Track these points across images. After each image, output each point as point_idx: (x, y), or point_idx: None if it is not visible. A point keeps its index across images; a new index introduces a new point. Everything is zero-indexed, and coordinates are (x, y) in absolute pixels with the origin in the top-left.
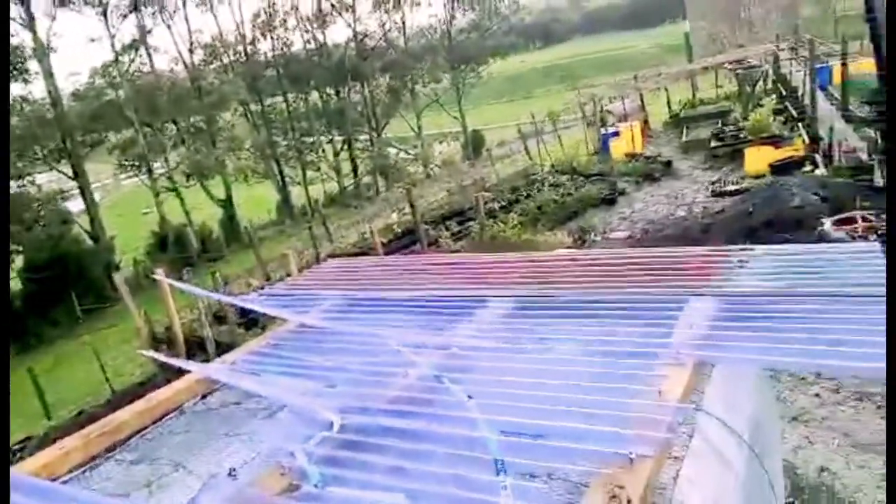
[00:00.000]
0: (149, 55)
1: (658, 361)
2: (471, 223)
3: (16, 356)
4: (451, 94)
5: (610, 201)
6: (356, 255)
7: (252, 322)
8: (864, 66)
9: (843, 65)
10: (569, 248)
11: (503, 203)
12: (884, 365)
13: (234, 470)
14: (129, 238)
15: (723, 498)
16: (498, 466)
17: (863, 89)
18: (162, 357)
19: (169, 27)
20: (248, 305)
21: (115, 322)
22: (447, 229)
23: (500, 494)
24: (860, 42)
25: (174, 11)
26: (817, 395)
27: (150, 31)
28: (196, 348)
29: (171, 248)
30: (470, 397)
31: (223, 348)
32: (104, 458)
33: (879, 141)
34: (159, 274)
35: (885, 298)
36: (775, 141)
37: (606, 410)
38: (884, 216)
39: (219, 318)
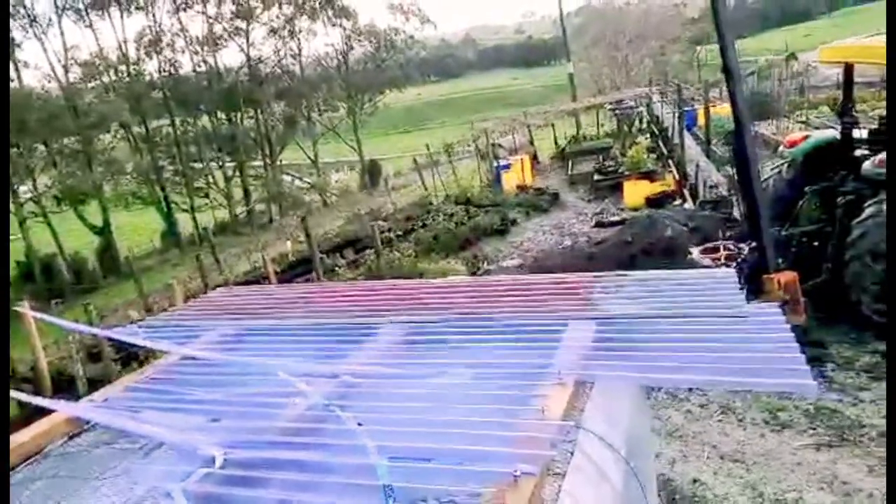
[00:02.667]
0: (16, 70)
1: (541, 382)
2: (367, 252)
3: None
4: (347, 123)
5: (502, 231)
6: (248, 284)
7: (132, 357)
8: (722, 111)
9: (707, 109)
10: (463, 276)
11: (399, 232)
12: (746, 379)
13: None
14: None
15: None
16: (387, 492)
17: (721, 131)
18: (23, 396)
19: (41, 41)
20: (124, 338)
21: None
22: (343, 258)
23: None
24: (719, 88)
25: (47, 25)
26: (689, 411)
27: (19, 45)
28: (66, 388)
29: (39, 279)
30: (360, 424)
31: (97, 387)
32: None
33: (736, 178)
34: (23, 306)
35: (742, 318)
36: (650, 176)
37: (493, 431)
38: (741, 245)
39: (93, 355)
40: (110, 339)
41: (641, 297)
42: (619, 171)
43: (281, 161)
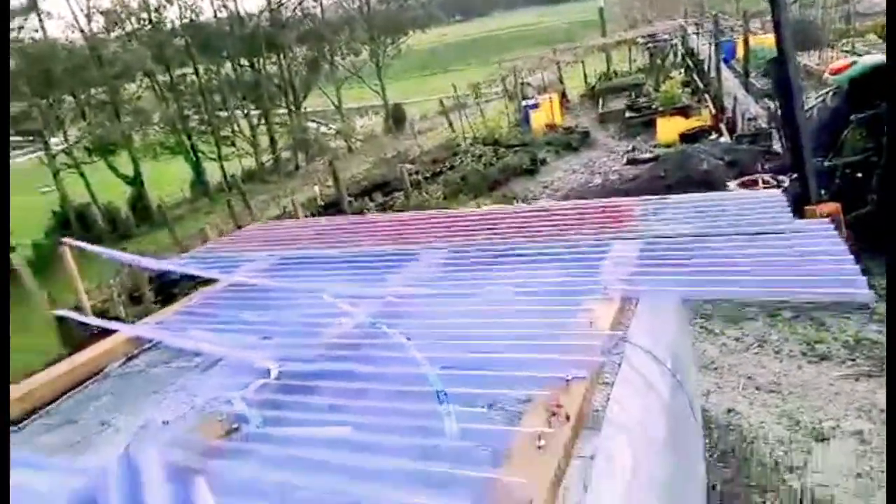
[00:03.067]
0: (41, 21)
1: (588, 297)
2: (396, 194)
3: None
4: (371, 66)
5: (531, 171)
6: None
7: (171, 298)
8: (762, 42)
9: (745, 40)
10: None
11: (427, 174)
12: (799, 289)
13: (168, 422)
14: (25, 219)
15: (648, 417)
16: (440, 396)
17: (761, 63)
18: (80, 316)
19: None
20: (170, 268)
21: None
22: (372, 200)
23: (444, 421)
24: (760, 19)
25: None
26: (724, 344)
27: None
28: None
29: (75, 227)
30: (408, 339)
31: None
32: (19, 425)
33: (776, 110)
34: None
35: (792, 234)
36: (685, 111)
37: (542, 342)
38: (781, 178)
39: (134, 299)
40: (155, 271)
41: (686, 219)
42: (653, 107)
43: (305, 108)
